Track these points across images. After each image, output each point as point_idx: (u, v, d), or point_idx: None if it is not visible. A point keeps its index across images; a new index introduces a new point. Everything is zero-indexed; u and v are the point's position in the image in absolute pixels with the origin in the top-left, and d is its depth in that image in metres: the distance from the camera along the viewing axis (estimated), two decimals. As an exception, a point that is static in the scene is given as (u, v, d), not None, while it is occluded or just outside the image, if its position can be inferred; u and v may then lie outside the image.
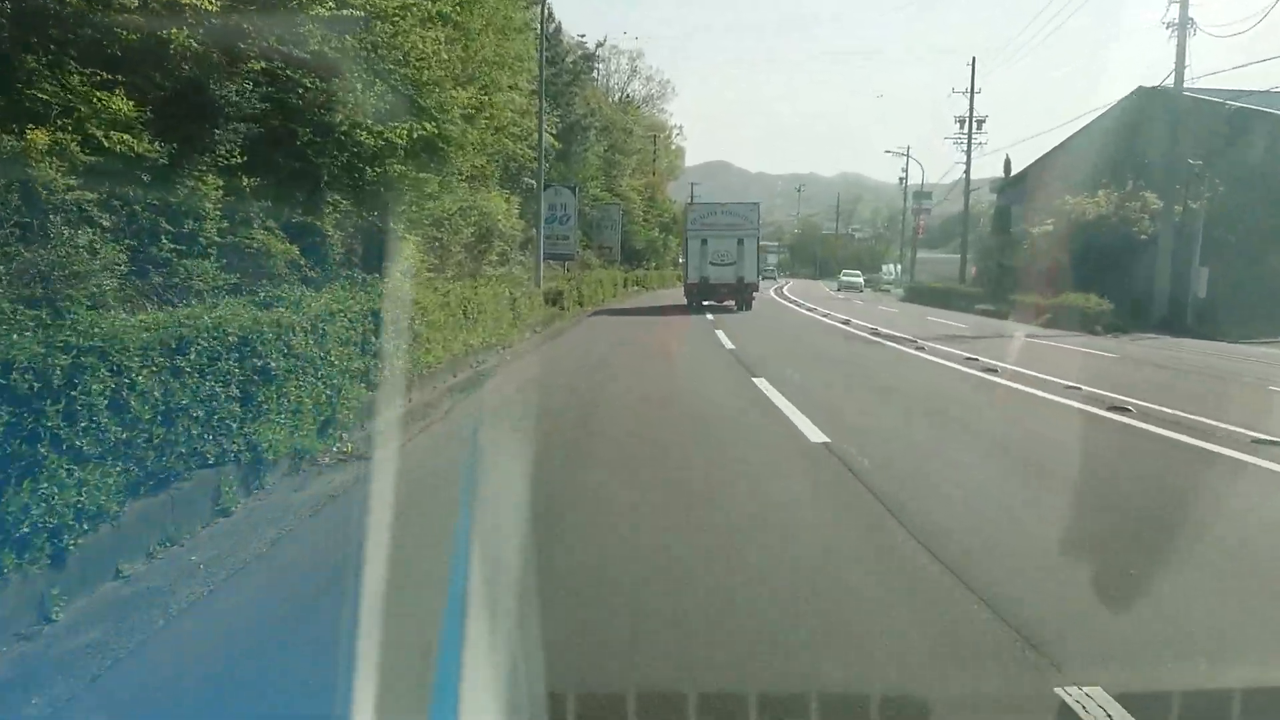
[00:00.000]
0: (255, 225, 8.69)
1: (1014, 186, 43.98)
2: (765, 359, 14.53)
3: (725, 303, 27.89)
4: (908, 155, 72.14)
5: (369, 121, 10.61)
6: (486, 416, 9.36)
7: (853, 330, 22.45)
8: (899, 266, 67.09)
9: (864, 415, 9.71)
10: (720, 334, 19.35)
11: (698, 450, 7.55)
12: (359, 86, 10.42)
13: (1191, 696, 3.29)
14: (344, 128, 10.38)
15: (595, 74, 49.66)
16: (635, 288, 40.28)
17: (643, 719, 3.01)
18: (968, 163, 46.74)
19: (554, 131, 28.22)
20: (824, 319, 26.76)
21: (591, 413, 9.31)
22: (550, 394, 10.57)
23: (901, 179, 69.83)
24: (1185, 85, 26.25)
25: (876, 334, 20.84)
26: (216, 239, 7.99)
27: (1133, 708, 3.10)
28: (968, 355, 15.81)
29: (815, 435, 7.95)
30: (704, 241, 27.20)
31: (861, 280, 63.38)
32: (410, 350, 9.01)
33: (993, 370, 13.64)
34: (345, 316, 7.29)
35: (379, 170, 11.12)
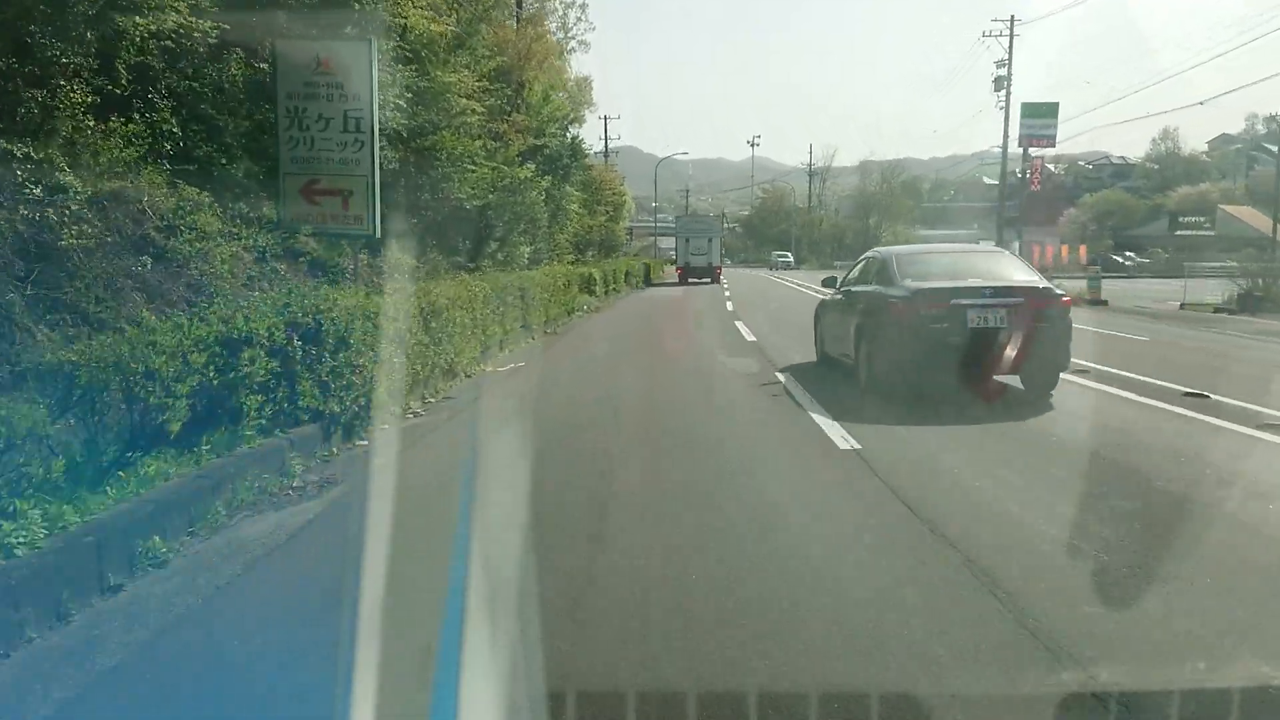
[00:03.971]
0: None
1: None
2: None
3: (702, 279, 42.28)
4: (1011, 32, 41.10)
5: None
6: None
7: None
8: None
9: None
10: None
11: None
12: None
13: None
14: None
15: None
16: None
17: (643, 716, 2.96)
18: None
19: None
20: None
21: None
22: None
23: (1001, 83, 41.32)
24: None
25: None
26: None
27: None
28: None
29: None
30: (687, 240, 44.38)
31: None
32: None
33: None
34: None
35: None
